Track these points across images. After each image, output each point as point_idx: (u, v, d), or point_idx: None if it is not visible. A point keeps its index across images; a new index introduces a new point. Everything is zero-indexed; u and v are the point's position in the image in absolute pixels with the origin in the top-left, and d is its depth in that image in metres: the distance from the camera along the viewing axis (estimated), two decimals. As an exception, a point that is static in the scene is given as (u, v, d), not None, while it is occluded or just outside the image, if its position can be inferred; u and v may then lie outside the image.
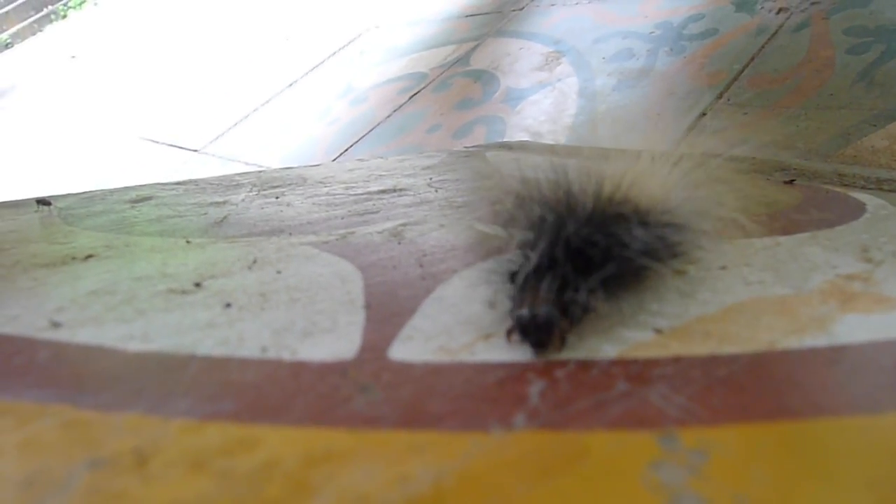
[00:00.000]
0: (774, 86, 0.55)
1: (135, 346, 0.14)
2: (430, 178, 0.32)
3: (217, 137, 0.92)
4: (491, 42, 0.84)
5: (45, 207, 0.28)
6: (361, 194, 0.29)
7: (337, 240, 0.22)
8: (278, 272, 0.19)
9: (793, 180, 0.30)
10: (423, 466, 0.10)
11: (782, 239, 0.21)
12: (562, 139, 0.60)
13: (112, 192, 0.31)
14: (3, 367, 0.14)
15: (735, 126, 0.53)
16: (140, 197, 0.29)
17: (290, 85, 0.98)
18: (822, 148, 0.48)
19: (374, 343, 0.14)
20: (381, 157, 0.46)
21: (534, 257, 0.14)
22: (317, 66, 1.00)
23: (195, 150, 0.91)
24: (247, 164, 0.83)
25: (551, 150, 0.43)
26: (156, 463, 0.10)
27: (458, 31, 0.91)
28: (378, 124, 0.77)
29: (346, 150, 0.75)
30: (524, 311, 0.13)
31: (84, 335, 0.15)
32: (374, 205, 0.27)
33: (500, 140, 0.64)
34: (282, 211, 0.27)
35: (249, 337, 0.15)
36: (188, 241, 0.22)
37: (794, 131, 0.50)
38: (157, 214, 0.26)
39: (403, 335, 0.14)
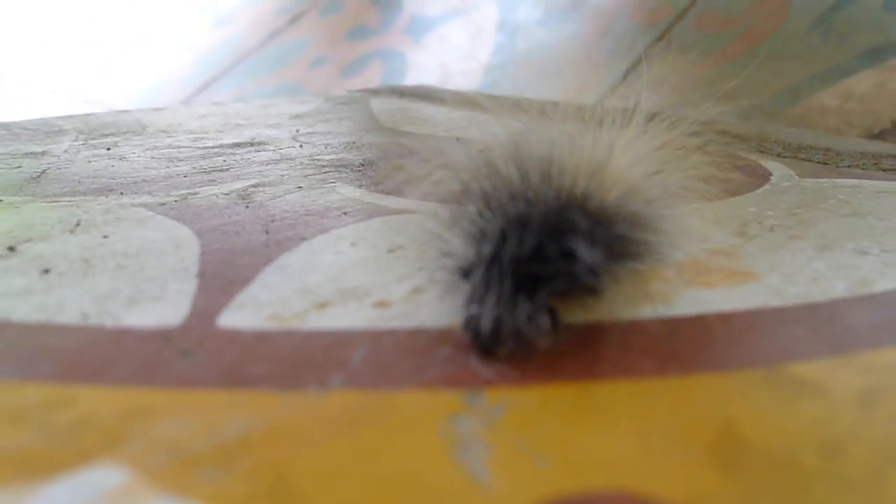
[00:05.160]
0: (722, 28, 0.61)
1: (-61, 314, 0.17)
2: (297, 131, 0.36)
3: (46, 65, 0.91)
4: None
5: None
6: (212, 147, 0.32)
7: (176, 201, 0.25)
8: (105, 237, 0.22)
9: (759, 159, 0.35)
10: (234, 420, 0.14)
11: (667, 213, 0.26)
12: (474, 83, 0.64)
13: None
14: None
15: (674, 75, 0.59)
16: (-66, 144, 0.31)
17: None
18: (767, 105, 0.55)
19: (204, 311, 0.18)
20: (243, 102, 0.48)
21: (487, 253, 0.16)
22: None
23: (27, 81, 0.90)
24: (81, 100, 0.83)
25: (452, 98, 0.47)
26: (-29, 419, 0.13)
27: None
28: (249, 54, 0.79)
29: (206, 85, 0.77)
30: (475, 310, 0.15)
31: None
32: (224, 161, 0.30)
33: (397, 82, 0.68)
34: (113, 166, 0.29)
35: (70, 304, 0.18)
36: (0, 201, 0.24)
37: (738, 84, 0.56)
38: (-43, 167, 0.28)
39: (236, 303, 0.18)
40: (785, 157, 0.35)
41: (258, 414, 0.14)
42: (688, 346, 0.17)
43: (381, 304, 0.18)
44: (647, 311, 0.19)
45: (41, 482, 0.12)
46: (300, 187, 0.27)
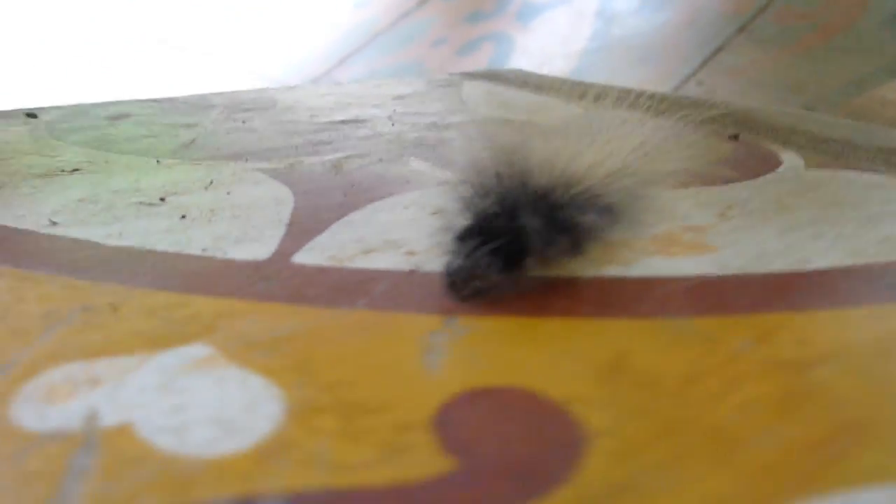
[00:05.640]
0: (801, 21, 0.61)
1: (112, 242, 0.24)
2: (394, 111, 0.41)
3: (221, 40, 1.00)
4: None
5: (33, 120, 0.37)
6: (322, 123, 0.38)
7: (284, 168, 0.31)
8: (228, 193, 0.28)
9: (737, 135, 0.38)
10: (286, 323, 0.19)
11: (668, 193, 0.30)
12: (570, 67, 0.67)
13: (94, 106, 0.40)
14: (19, 250, 0.23)
15: (749, 64, 0.60)
16: (119, 114, 0.38)
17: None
18: (832, 95, 0.55)
19: (284, 251, 0.23)
20: (359, 82, 0.54)
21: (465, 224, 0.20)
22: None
23: (207, 53, 1.00)
24: (249, 72, 0.92)
25: (536, 82, 0.51)
26: (124, 310, 0.19)
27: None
28: (380, 33, 0.85)
29: (343, 60, 0.83)
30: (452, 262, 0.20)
31: (75, 232, 0.25)
32: (329, 135, 0.36)
33: (503, 63, 0.71)
34: (244, 137, 0.35)
35: (195, 240, 0.24)
36: (158, 162, 0.31)
37: (807, 74, 0.56)
38: (133, 133, 0.35)
39: (307, 247, 0.23)
40: (805, 147, 0.37)
41: (302, 321, 0.19)
42: (623, 299, 0.21)
43: (410, 253, 0.23)
44: (607, 271, 0.22)
45: (158, 352, 0.17)
46: (381, 160, 0.32)
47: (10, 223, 0.25)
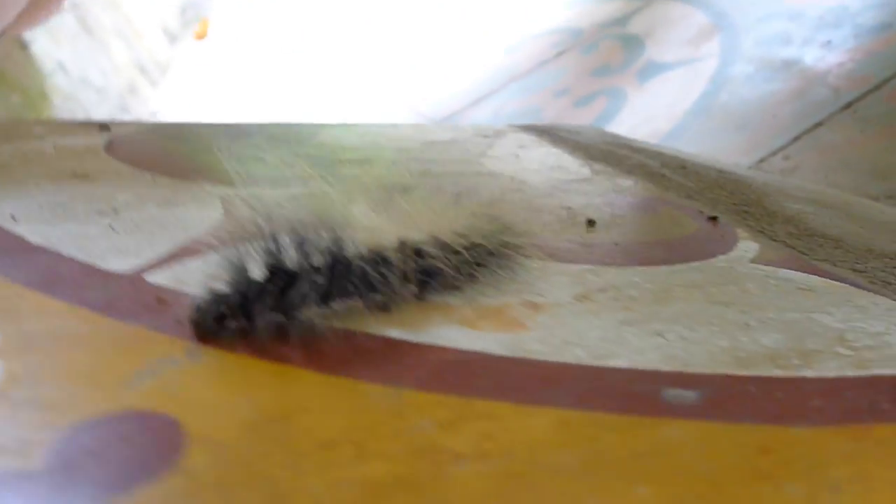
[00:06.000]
0: (915, 103, 0.53)
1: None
2: (401, 155, 0.42)
3: (383, 72, 1.07)
4: (661, 4, 0.86)
5: (105, 132, 0.42)
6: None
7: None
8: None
9: (716, 217, 0.35)
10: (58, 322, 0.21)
11: (555, 266, 0.28)
12: (667, 127, 0.64)
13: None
14: None
15: (843, 142, 0.53)
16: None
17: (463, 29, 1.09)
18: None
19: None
20: (415, 126, 0.55)
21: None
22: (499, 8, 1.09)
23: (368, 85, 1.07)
24: (407, 106, 0.97)
25: (574, 145, 0.50)
26: None
27: (636, -14, 0.94)
28: (515, 79, 0.86)
29: (478, 101, 0.85)
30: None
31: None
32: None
33: (611, 118, 0.69)
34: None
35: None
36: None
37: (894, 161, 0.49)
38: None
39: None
40: (778, 239, 0.33)
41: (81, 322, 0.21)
42: (373, 361, 0.21)
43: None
44: (391, 331, 0.22)
45: None
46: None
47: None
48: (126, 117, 1.23)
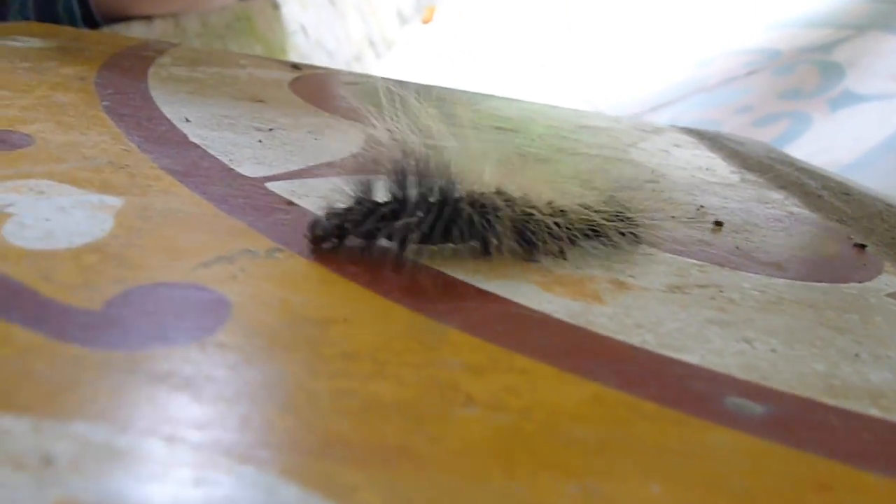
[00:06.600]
0: None
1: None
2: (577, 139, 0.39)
3: (574, 65, 1.03)
4: (873, 35, 0.75)
5: (297, 71, 0.43)
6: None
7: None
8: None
9: (864, 245, 0.29)
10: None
11: (666, 256, 0.24)
12: (846, 159, 0.55)
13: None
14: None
15: None
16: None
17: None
18: None
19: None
20: (610, 117, 0.52)
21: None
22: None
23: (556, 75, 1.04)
24: (584, 99, 0.93)
25: (730, 153, 0.44)
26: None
27: (851, 14, 0.82)
28: (701, 91, 0.79)
29: (657, 107, 0.79)
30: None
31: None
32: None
33: (790, 142, 0.61)
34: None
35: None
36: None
37: None
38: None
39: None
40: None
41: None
42: (444, 300, 0.19)
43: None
44: (465, 275, 0.20)
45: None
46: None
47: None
48: (347, 80, 1.28)
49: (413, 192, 0.21)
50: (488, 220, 0.21)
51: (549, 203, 0.23)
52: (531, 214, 0.22)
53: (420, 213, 0.20)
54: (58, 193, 0.21)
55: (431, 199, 0.21)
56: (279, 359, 0.15)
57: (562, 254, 0.22)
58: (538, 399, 0.15)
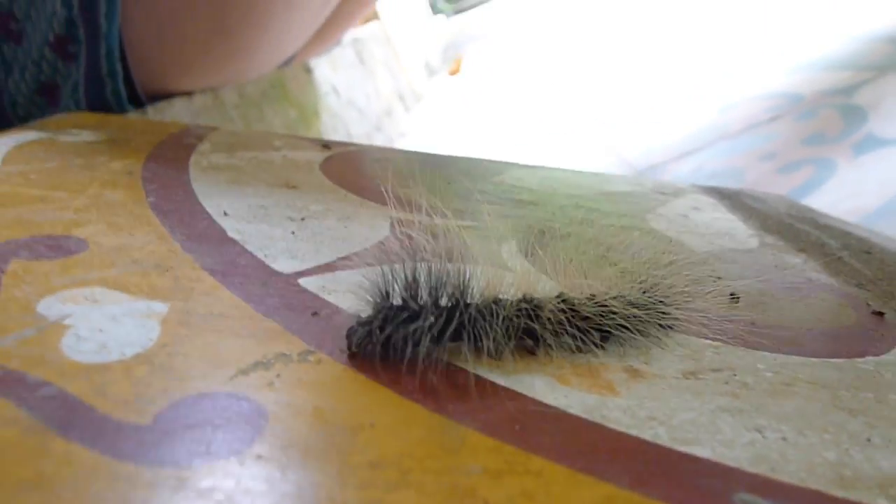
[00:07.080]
0: None
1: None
2: (577, 204, 0.41)
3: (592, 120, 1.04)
4: (894, 77, 0.75)
5: (327, 151, 0.46)
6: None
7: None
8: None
9: (882, 313, 0.29)
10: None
11: (689, 339, 0.25)
12: (869, 207, 0.55)
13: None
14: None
15: None
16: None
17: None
18: None
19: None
20: (631, 180, 0.53)
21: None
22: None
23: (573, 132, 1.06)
24: (607, 150, 0.94)
25: (747, 213, 0.45)
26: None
27: (870, 56, 0.82)
28: (723, 138, 0.79)
29: (682, 156, 0.80)
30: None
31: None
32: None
33: (814, 188, 0.61)
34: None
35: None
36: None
37: None
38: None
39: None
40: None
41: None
42: (447, 392, 0.20)
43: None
44: (483, 370, 0.21)
45: (135, 297, 0.23)
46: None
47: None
48: (378, 135, 1.32)
49: (425, 298, 0.22)
50: (495, 324, 0.22)
51: (592, 297, 0.24)
52: (540, 310, 0.23)
53: (431, 319, 0.21)
54: (110, 301, 0.23)
55: (441, 303, 0.22)
56: (312, 468, 0.16)
57: (571, 350, 0.23)
58: (550, 503, 0.16)
